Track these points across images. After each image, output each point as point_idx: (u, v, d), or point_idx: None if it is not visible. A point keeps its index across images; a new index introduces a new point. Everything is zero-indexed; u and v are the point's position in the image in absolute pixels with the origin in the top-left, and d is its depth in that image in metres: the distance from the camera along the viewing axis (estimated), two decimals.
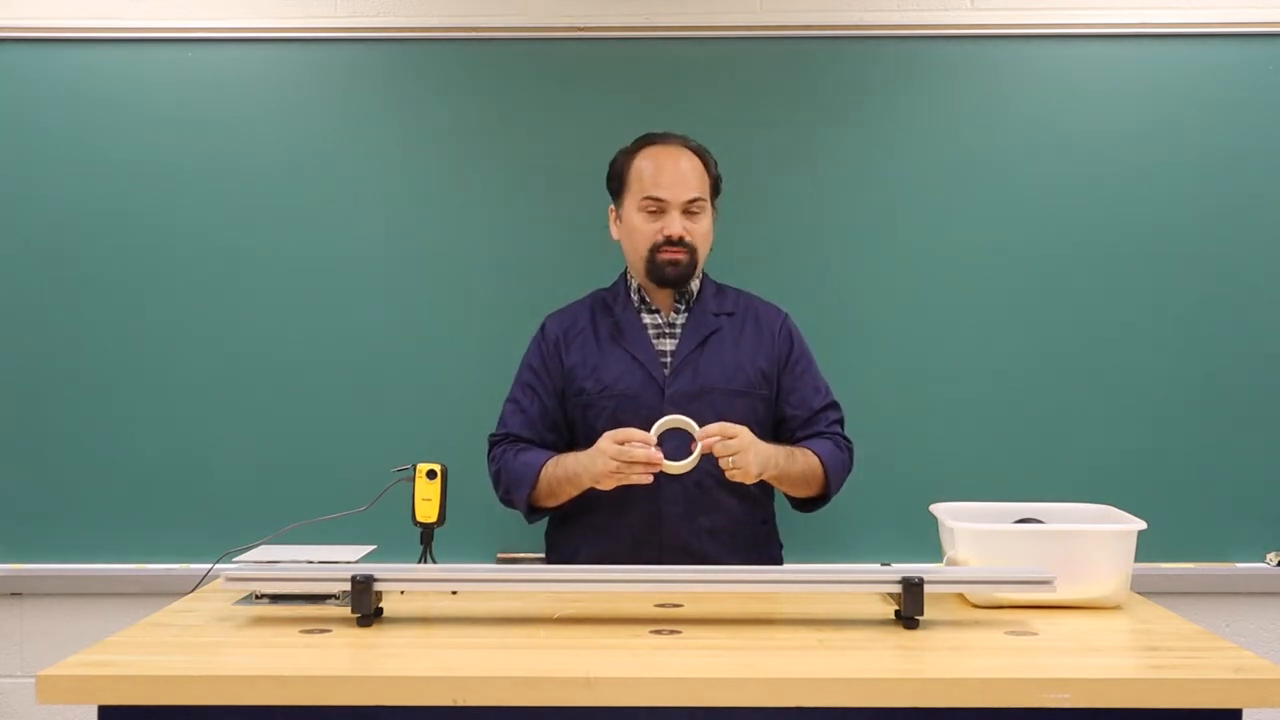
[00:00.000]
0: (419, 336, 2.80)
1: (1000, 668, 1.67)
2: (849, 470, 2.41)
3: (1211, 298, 2.77)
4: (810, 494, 2.35)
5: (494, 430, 2.43)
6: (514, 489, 2.35)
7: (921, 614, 1.85)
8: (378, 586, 1.87)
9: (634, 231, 2.35)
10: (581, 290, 2.54)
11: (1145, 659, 1.78)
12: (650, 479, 2.15)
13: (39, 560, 2.80)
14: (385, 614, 1.93)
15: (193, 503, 2.78)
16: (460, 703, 1.60)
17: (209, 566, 2.15)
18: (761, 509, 2.38)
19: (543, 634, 1.84)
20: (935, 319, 2.78)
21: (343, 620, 1.89)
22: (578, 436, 2.38)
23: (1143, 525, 2.01)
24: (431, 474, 2.12)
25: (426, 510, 2.12)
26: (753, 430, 2.33)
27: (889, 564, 2.30)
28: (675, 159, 2.35)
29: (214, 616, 1.94)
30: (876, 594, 2.02)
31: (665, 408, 2.29)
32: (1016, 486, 2.54)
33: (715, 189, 2.41)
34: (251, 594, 2.02)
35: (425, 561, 2.11)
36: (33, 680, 1.94)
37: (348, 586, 1.87)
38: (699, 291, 2.41)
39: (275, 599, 1.99)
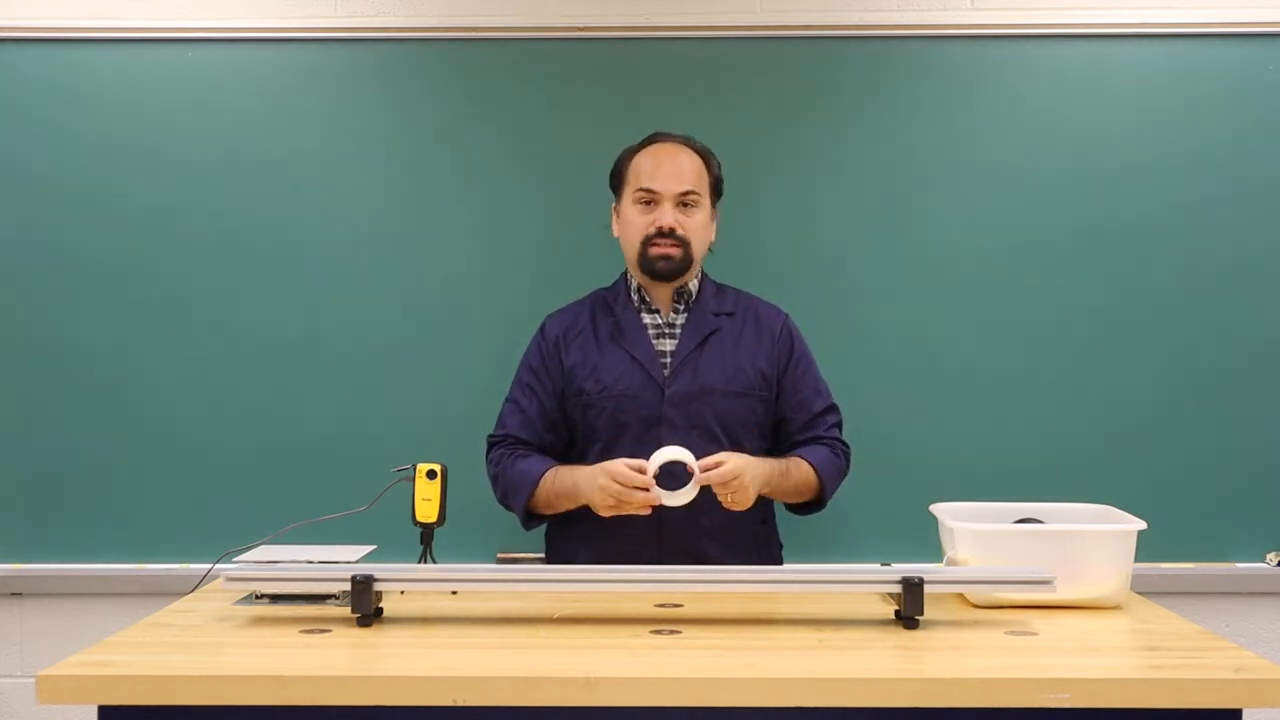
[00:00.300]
0: (419, 336, 2.80)
1: (1000, 668, 1.67)
2: (845, 475, 2.42)
3: (1212, 298, 2.77)
4: (805, 500, 2.37)
5: (493, 430, 2.43)
6: (511, 496, 2.35)
7: (921, 614, 1.85)
8: (378, 586, 1.87)
9: (628, 225, 2.37)
10: (581, 290, 2.53)
11: (1145, 659, 1.78)
12: (649, 512, 2.18)
13: (39, 560, 2.80)
14: (385, 614, 1.93)
15: (193, 503, 2.78)
16: (460, 703, 1.60)
17: (209, 566, 2.15)
18: (760, 509, 2.38)
19: (543, 634, 1.84)
20: (935, 319, 2.78)
21: (343, 620, 1.89)
22: (577, 436, 2.38)
23: (1143, 525, 2.01)
24: (431, 474, 2.12)
25: (426, 510, 2.12)
26: (752, 433, 2.34)
27: (889, 564, 2.29)
28: (672, 155, 2.37)
29: (214, 616, 1.94)
30: (876, 594, 2.02)
31: (665, 409, 2.29)
32: (1016, 486, 2.54)
33: (716, 189, 2.41)
34: (251, 594, 2.02)
35: (425, 561, 2.11)
36: (33, 680, 1.94)
37: (348, 586, 1.87)
38: (699, 291, 2.41)
39: (275, 599, 1.99)
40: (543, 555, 2.54)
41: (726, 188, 2.45)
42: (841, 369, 2.54)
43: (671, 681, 1.62)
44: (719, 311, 2.39)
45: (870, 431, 2.54)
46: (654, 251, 2.32)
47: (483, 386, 2.73)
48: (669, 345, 2.37)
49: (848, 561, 2.67)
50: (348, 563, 2.01)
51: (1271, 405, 2.77)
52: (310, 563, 2.01)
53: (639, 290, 2.41)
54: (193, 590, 2.14)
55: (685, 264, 2.34)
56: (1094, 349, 2.78)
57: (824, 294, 2.75)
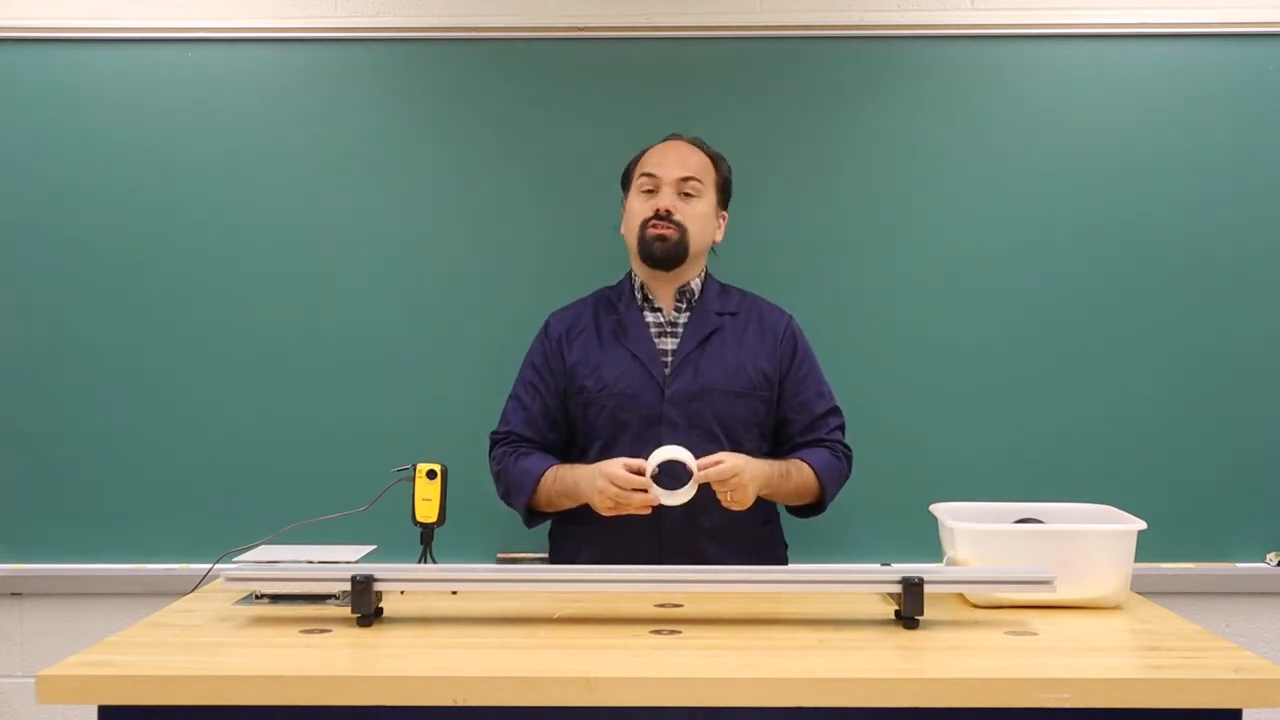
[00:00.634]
0: (419, 336, 2.80)
1: (1000, 668, 1.67)
2: (846, 478, 2.41)
3: (1212, 298, 2.77)
4: (805, 503, 2.37)
5: (496, 427, 2.43)
6: (513, 494, 2.36)
7: (921, 614, 1.85)
8: (378, 586, 1.87)
9: (630, 214, 2.38)
10: (581, 289, 2.54)
11: (1145, 659, 1.78)
12: (649, 511, 2.18)
13: (39, 560, 2.80)
14: (385, 614, 1.93)
15: (193, 503, 2.78)
16: (460, 703, 1.60)
17: (209, 566, 2.15)
18: (763, 510, 2.38)
19: (543, 634, 1.84)
20: (934, 318, 2.78)
21: (343, 620, 1.89)
22: (578, 434, 2.39)
23: (1143, 525, 2.01)
24: (431, 474, 2.12)
25: (426, 510, 2.12)
26: (753, 433, 2.33)
27: (889, 564, 2.30)
28: (677, 147, 2.40)
29: (214, 616, 1.94)
30: (876, 594, 2.02)
31: (665, 408, 2.29)
32: (1016, 486, 2.54)
33: (723, 189, 2.42)
34: (251, 594, 2.02)
35: (425, 561, 2.11)
36: (33, 680, 1.94)
37: (348, 586, 1.87)
38: (702, 290, 2.41)
39: (275, 599, 1.99)
40: (543, 555, 2.55)
41: None
42: (840, 369, 2.53)
43: (671, 681, 1.62)
44: (722, 311, 2.39)
45: (870, 431, 2.54)
46: (650, 232, 2.33)
47: (483, 386, 2.74)
48: (670, 344, 2.37)
49: (848, 561, 2.67)
50: (348, 563, 2.01)
51: (1271, 405, 2.77)
52: (310, 563, 2.01)
53: (642, 288, 2.41)
54: (193, 590, 2.14)
55: (681, 249, 2.33)
56: (1094, 349, 2.78)
57: (823, 294, 2.75)
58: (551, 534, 2.48)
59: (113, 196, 2.79)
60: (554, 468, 2.32)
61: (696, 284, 2.41)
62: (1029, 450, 2.77)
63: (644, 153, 2.43)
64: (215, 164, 2.79)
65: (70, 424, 2.78)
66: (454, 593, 2.08)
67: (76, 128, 2.79)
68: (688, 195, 2.35)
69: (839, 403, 2.43)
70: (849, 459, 2.41)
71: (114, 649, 1.75)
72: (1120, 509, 2.14)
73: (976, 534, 2.01)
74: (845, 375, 2.54)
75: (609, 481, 2.17)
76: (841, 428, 2.42)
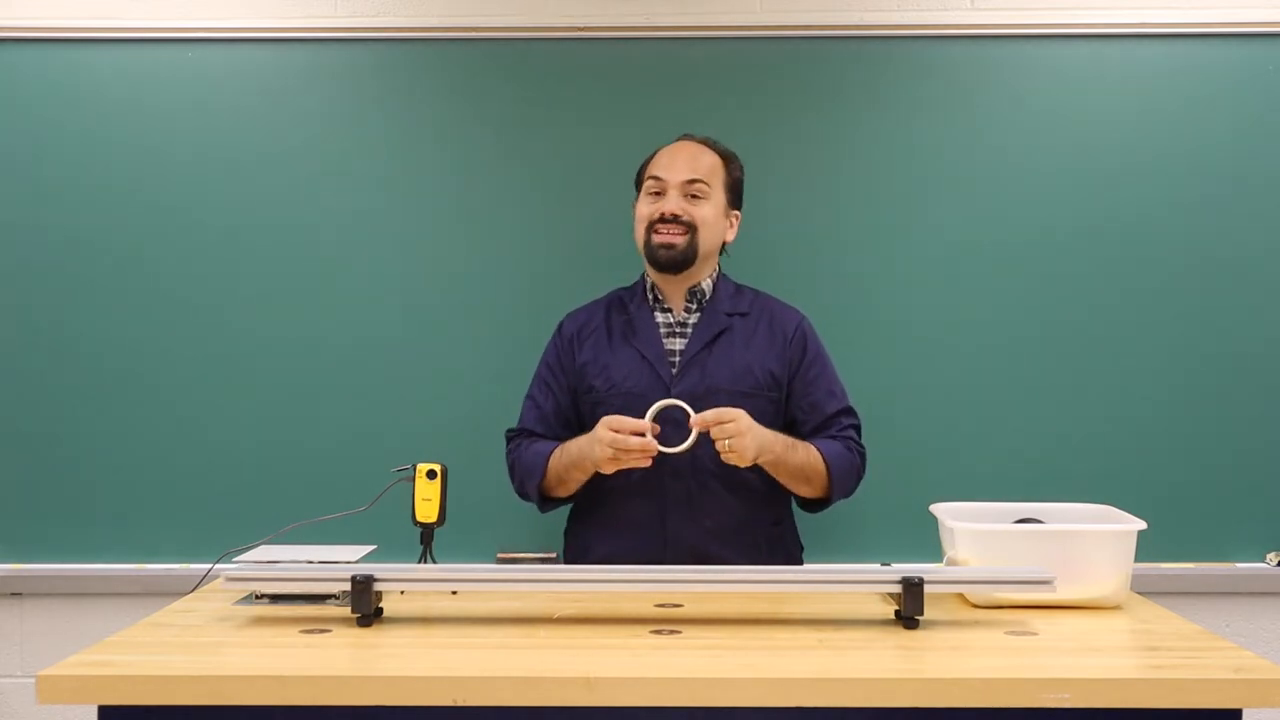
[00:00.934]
0: (419, 336, 2.80)
1: (1000, 668, 1.67)
2: (859, 476, 2.39)
3: (1212, 298, 2.77)
4: (813, 492, 2.34)
5: (512, 426, 2.46)
6: (526, 480, 2.37)
7: (921, 614, 1.85)
8: (378, 586, 1.87)
9: (637, 218, 2.38)
10: (581, 289, 2.54)
11: (1145, 659, 1.78)
12: (649, 463, 2.17)
13: (39, 560, 2.80)
14: (385, 614, 1.93)
15: (193, 503, 2.78)
16: (460, 703, 1.60)
17: (209, 566, 2.15)
18: (772, 510, 2.37)
19: (543, 634, 1.84)
20: (933, 318, 2.78)
21: (343, 620, 1.89)
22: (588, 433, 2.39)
23: (1143, 525, 2.01)
24: (431, 474, 2.12)
25: (426, 510, 2.12)
26: None
27: (889, 564, 2.29)
28: (685, 148, 2.40)
29: (214, 616, 1.94)
30: (876, 594, 2.02)
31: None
32: (1016, 486, 2.54)
33: (734, 189, 2.41)
34: (251, 594, 2.02)
35: (425, 561, 2.11)
36: (33, 680, 1.94)
37: (348, 586, 1.87)
38: (713, 291, 2.41)
39: (275, 599, 1.99)
40: (542, 554, 2.60)
41: None
42: (839, 369, 2.52)
43: (671, 681, 1.62)
44: (732, 311, 2.39)
45: (870, 431, 2.53)
46: (656, 239, 2.33)
47: (483, 386, 2.75)
48: (679, 344, 2.37)
49: (848, 561, 2.67)
50: (348, 563, 2.01)
51: (1271, 405, 2.77)
52: (310, 563, 2.01)
53: (653, 289, 2.41)
54: (193, 590, 2.14)
55: (690, 252, 2.33)
56: (1094, 349, 2.78)
57: (822, 294, 2.74)
58: (566, 530, 2.49)
59: (113, 196, 2.79)
60: (559, 447, 2.33)
61: (708, 284, 2.41)
62: (1029, 450, 2.77)
63: (655, 154, 2.42)
64: (215, 164, 2.79)
65: (70, 424, 2.78)
66: (454, 593, 2.08)
67: (76, 128, 2.79)
68: (695, 197, 2.34)
69: (854, 404, 2.41)
70: (863, 458, 2.39)
71: (114, 649, 1.75)
72: (1120, 509, 2.14)
73: (976, 534, 2.01)
74: (844, 375, 2.53)
75: (608, 428, 2.16)
76: (856, 428, 2.40)
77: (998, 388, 2.78)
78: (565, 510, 2.47)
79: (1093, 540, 2.00)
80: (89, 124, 2.79)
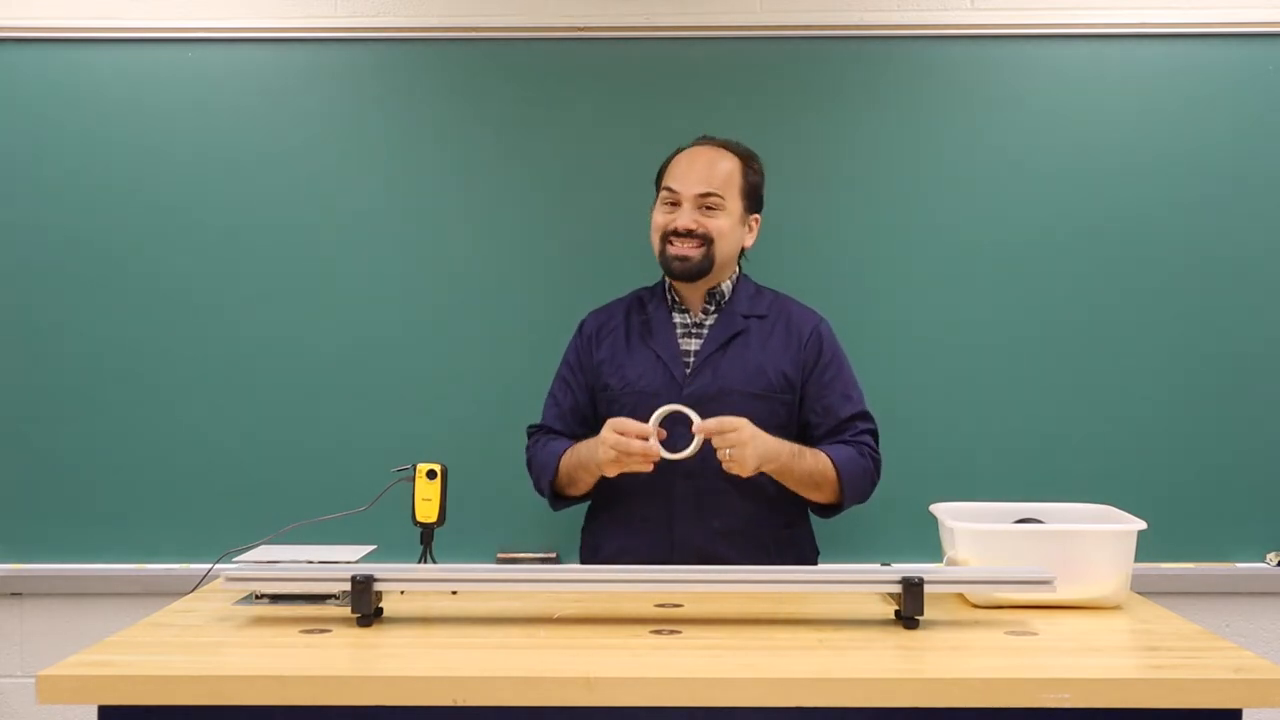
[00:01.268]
0: (419, 336, 2.80)
1: (1000, 668, 1.67)
2: (873, 481, 2.37)
3: (1212, 298, 2.77)
4: (824, 498, 2.33)
5: (518, 424, 2.48)
6: (540, 478, 2.39)
7: (921, 614, 1.85)
8: (378, 586, 1.87)
9: (653, 225, 2.38)
10: (581, 289, 2.56)
11: (1145, 659, 1.78)
12: (650, 467, 2.17)
13: (39, 560, 2.80)
14: (385, 614, 1.93)
15: (193, 503, 2.78)
16: (460, 703, 1.60)
17: (209, 566, 2.15)
18: (783, 513, 2.36)
19: (543, 634, 1.84)
20: (933, 318, 2.79)
21: (343, 620, 1.89)
22: None
23: (1143, 525, 2.01)
24: (431, 474, 2.12)
25: (426, 510, 2.12)
26: (773, 434, 2.32)
27: (889, 564, 2.29)
28: (702, 156, 2.36)
29: (214, 616, 1.94)
30: (876, 594, 2.02)
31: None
32: (1016, 486, 2.54)
33: (751, 195, 2.38)
34: (251, 594, 2.01)
35: (425, 561, 2.11)
36: (33, 680, 1.94)
37: (348, 586, 1.87)
38: (732, 293, 2.41)
39: (275, 599, 1.99)
40: (542, 555, 2.64)
41: None
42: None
43: (671, 681, 1.62)
44: (749, 313, 2.39)
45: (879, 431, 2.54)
46: (670, 251, 2.32)
47: (483, 386, 2.75)
48: (695, 345, 2.37)
49: (848, 561, 2.67)
50: (348, 563, 2.01)
51: (1271, 405, 2.77)
52: (310, 563, 2.01)
53: (671, 289, 2.41)
54: (193, 590, 2.14)
55: (704, 265, 2.32)
56: (1094, 349, 2.78)
57: (820, 293, 2.72)
58: (581, 530, 2.49)
59: (113, 196, 2.79)
60: (573, 445, 2.34)
61: (727, 286, 2.40)
62: (1029, 450, 2.77)
63: (674, 156, 2.39)
64: (215, 164, 2.79)
65: (70, 424, 2.78)
66: (454, 593, 2.08)
67: (76, 128, 2.79)
68: (709, 209, 2.32)
69: (871, 410, 2.40)
70: (877, 464, 2.37)
71: (114, 649, 1.75)
72: (1120, 509, 2.13)
73: (976, 534, 2.01)
74: None
75: (611, 430, 2.17)
76: (871, 433, 2.38)
77: (998, 387, 2.78)
78: (574, 510, 2.47)
79: (1093, 540, 2.00)
80: (89, 124, 2.79)
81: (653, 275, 2.45)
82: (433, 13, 2.80)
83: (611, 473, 2.20)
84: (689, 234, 2.31)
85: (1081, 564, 1.97)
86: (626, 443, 2.15)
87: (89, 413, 2.79)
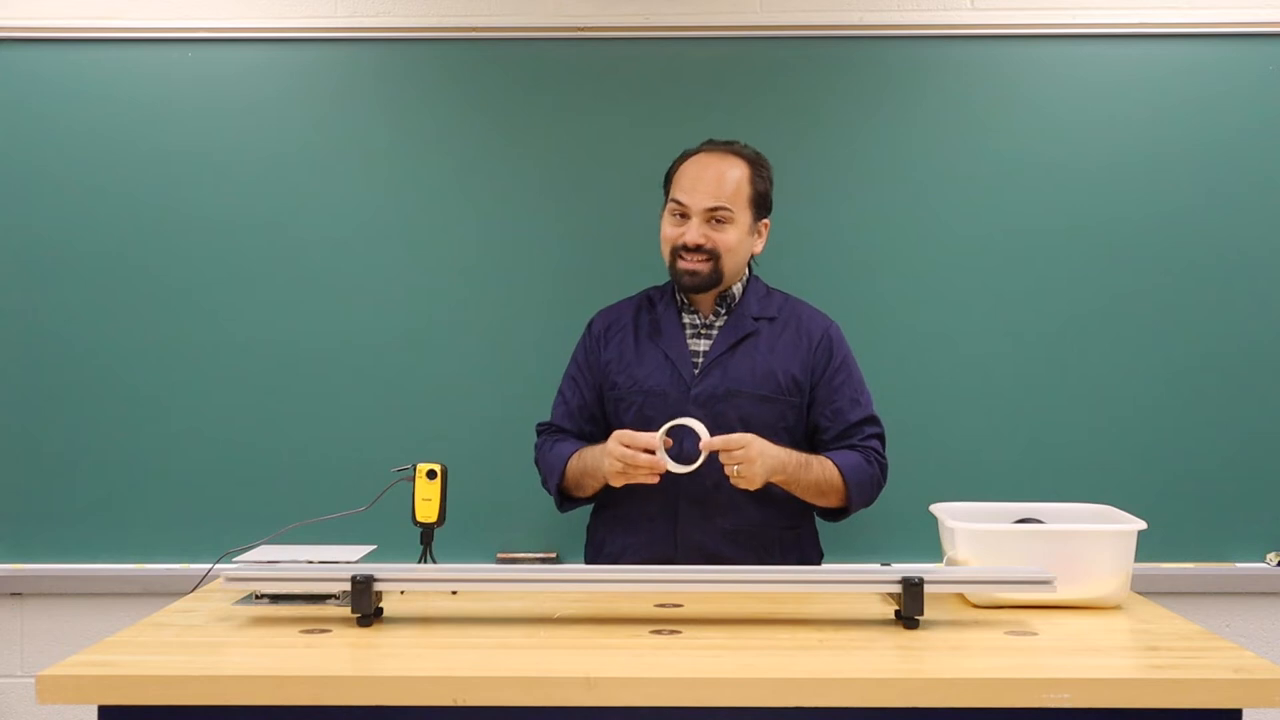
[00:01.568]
0: (419, 336, 2.80)
1: (1000, 668, 1.67)
2: (879, 486, 2.37)
3: (1213, 297, 2.77)
4: (830, 504, 2.34)
5: (519, 424, 2.48)
6: (547, 478, 2.40)
7: (921, 614, 1.85)
8: (378, 586, 1.87)
9: (662, 236, 2.36)
10: (581, 289, 2.56)
11: (1145, 659, 1.78)
12: (656, 480, 2.17)
13: (39, 560, 2.80)
14: (385, 614, 1.93)
15: (193, 503, 2.78)
16: (460, 703, 1.60)
17: (209, 566, 2.15)
18: (789, 515, 2.35)
19: (543, 634, 1.84)
20: (933, 318, 2.79)
21: (343, 620, 1.89)
22: (611, 429, 2.38)
23: (1143, 525, 2.01)
24: (431, 474, 2.12)
25: (426, 510, 2.12)
26: (782, 437, 2.32)
27: (889, 564, 2.29)
28: (711, 165, 2.33)
29: (214, 616, 1.94)
30: (876, 594, 2.02)
31: (689, 408, 2.29)
32: (1016, 486, 2.54)
33: (759, 201, 2.36)
34: (251, 594, 2.02)
35: (425, 561, 2.11)
36: (33, 680, 1.94)
37: (348, 586, 1.87)
38: (742, 295, 2.40)
39: (275, 599, 1.99)
40: (542, 555, 2.64)
41: None
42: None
43: (671, 681, 1.62)
44: (760, 316, 2.38)
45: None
46: (680, 266, 2.32)
47: (483, 386, 2.75)
48: (704, 345, 2.37)
49: (848, 561, 2.67)
50: (348, 563, 2.01)
51: (1272, 405, 2.77)
52: (310, 563, 2.01)
53: (680, 291, 2.41)
54: (193, 590, 2.14)
55: (714, 279, 2.32)
56: (1093, 349, 2.78)
57: (821, 294, 2.72)
58: (587, 528, 2.49)
59: (112, 196, 2.79)
60: (580, 450, 2.33)
61: (738, 289, 2.40)
62: (1029, 450, 2.77)
63: (682, 161, 2.36)
64: (215, 164, 2.79)
65: (71, 424, 2.78)
66: (454, 593, 2.08)
67: (76, 128, 2.79)
68: (718, 222, 2.31)
69: (879, 414, 2.39)
70: (883, 468, 2.37)
71: (114, 649, 1.75)
72: (1120, 509, 2.14)
73: (976, 534, 2.01)
74: None
75: (618, 443, 2.17)
76: (878, 437, 2.38)
77: (998, 387, 2.78)
78: (574, 510, 2.46)
79: (1093, 540, 2.00)
80: (89, 124, 2.79)
81: (657, 275, 2.45)
82: (433, 13, 2.80)
83: (617, 483, 2.20)
84: (697, 249, 2.30)
85: (1081, 564, 1.97)
86: (633, 456, 2.15)
87: (89, 413, 2.79)
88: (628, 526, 2.34)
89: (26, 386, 2.79)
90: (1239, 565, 2.78)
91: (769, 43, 2.80)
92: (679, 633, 1.83)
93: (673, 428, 2.16)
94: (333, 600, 1.97)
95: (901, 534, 2.66)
